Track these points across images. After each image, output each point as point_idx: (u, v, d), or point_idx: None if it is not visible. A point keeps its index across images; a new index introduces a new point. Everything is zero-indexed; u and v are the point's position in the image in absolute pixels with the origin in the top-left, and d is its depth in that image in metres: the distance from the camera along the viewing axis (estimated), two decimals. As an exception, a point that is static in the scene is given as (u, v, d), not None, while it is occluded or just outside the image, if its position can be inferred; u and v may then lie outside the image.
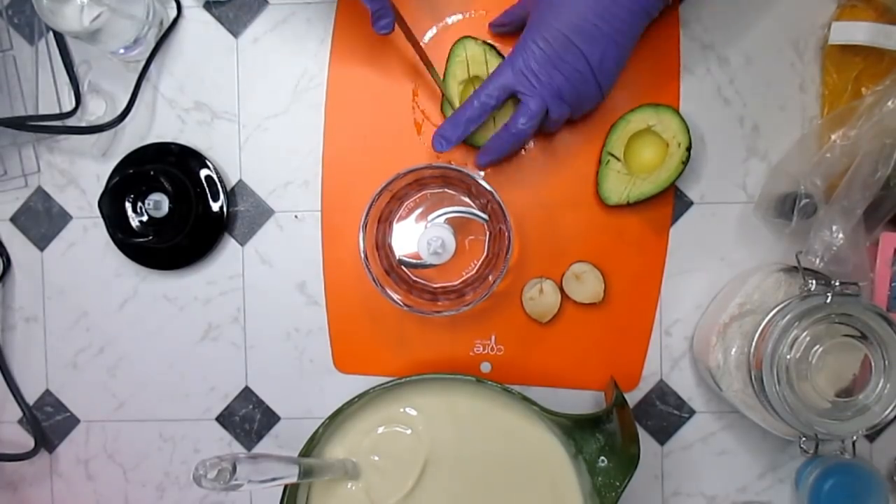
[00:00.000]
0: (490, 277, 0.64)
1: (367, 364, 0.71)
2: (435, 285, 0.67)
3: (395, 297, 0.64)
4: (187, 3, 0.71)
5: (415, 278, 0.67)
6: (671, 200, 0.69)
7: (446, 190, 0.66)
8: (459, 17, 0.69)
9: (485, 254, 0.66)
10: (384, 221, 0.65)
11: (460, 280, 0.66)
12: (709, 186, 0.70)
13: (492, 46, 0.68)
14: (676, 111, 0.66)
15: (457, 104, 0.68)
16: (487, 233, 0.66)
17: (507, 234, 0.63)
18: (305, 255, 0.71)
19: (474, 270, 0.66)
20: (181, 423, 0.72)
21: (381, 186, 0.62)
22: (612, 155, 0.68)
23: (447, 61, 0.68)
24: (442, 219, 0.63)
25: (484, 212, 0.64)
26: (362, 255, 0.63)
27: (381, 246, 0.65)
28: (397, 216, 0.66)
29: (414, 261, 0.64)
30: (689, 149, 0.66)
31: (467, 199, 0.66)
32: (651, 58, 0.69)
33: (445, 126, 0.65)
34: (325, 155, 0.71)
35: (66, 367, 0.72)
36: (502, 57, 0.67)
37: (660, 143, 0.67)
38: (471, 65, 0.68)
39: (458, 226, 0.64)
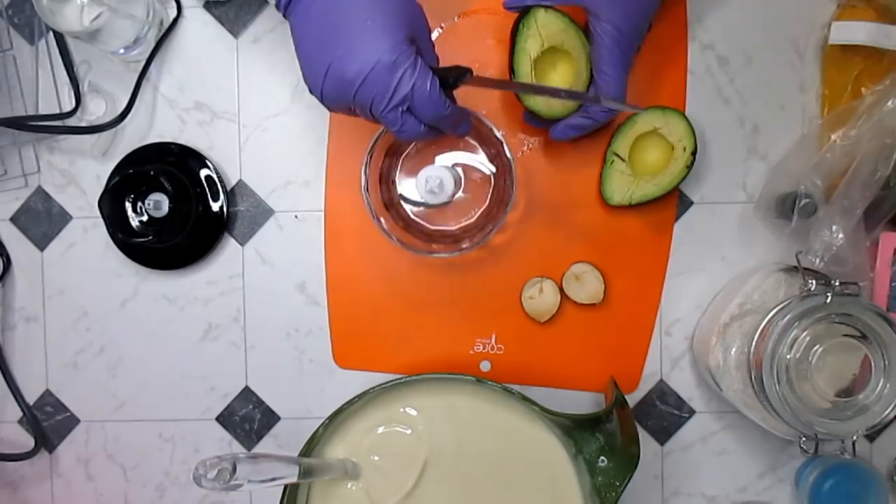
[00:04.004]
0: (489, 227, 0.64)
1: (367, 361, 0.71)
2: (433, 227, 0.66)
3: (392, 234, 0.63)
4: (187, 3, 0.71)
5: (414, 217, 0.66)
6: (674, 203, 0.69)
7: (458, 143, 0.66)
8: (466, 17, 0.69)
9: (486, 203, 0.66)
10: (391, 155, 0.65)
11: (458, 226, 0.66)
12: (709, 186, 0.70)
13: (563, 14, 0.64)
14: (683, 115, 0.66)
15: (530, 80, 0.64)
16: (492, 183, 0.65)
17: (510, 184, 0.62)
18: (305, 255, 0.71)
19: (473, 219, 0.66)
20: (181, 423, 0.72)
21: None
22: (617, 155, 0.68)
23: (514, 38, 0.64)
24: (450, 161, 0.62)
25: (493, 162, 0.63)
26: (363, 186, 0.62)
27: (385, 180, 0.64)
28: (405, 152, 0.65)
29: (415, 199, 0.63)
30: (694, 153, 0.66)
31: (477, 145, 0.66)
32: (659, 61, 0.69)
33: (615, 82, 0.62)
34: (330, 152, 0.70)
35: (66, 367, 0.72)
36: (576, 25, 0.64)
37: (665, 146, 0.67)
38: (544, 36, 0.64)
39: (465, 171, 0.64)
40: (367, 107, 0.55)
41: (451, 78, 0.56)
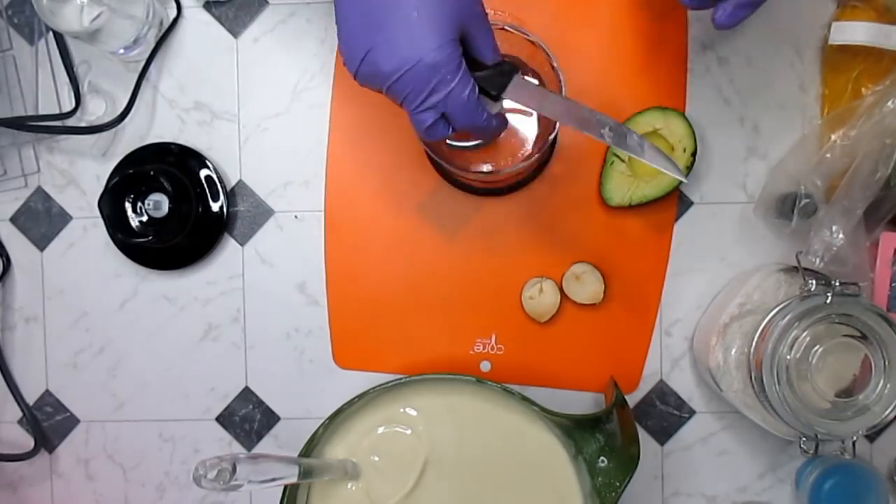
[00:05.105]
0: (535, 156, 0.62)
1: (367, 360, 0.71)
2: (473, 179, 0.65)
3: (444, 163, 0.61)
4: (187, 3, 0.71)
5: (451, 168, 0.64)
6: (675, 203, 0.69)
7: None
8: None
9: (526, 147, 0.64)
10: None
11: (494, 168, 0.64)
12: (709, 186, 0.70)
13: None
14: (683, 115, 0.67)
15: None
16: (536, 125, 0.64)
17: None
18: (305, 255, 0.71)
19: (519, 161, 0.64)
20: (181, 423, 0.72)
21: None
22: (617, 156, 0.68)
23: None
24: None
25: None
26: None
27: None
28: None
29: (460, 143, 0.62)
30: (694, 154, 0.66)
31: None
32: (659, 61, 0.69)
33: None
34: (330, 152, 0.70)
35: (66, 367, 0.72)
36: None
37: (665, 147, 0.67)
38: None
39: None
40: (399, 101, 0.53)
41: (494, 89, 0.54)
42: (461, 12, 0.51)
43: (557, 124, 0.60)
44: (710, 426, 0.70)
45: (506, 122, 0.58)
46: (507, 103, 0.56)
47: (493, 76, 0.54)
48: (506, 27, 0.61)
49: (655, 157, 0.56)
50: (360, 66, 0.52)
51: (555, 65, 0.60)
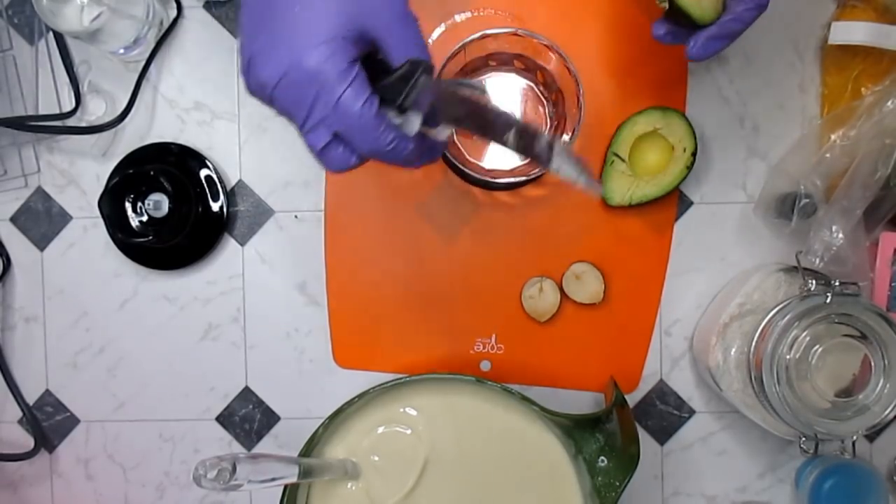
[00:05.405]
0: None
1: (367, 360, 0.71)
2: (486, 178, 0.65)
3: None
4: (187, 3, 0.71)
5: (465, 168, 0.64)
6: (675, 203, 0.69)
7: (512, 75, 0.65)
8: (468, 14, 0.69)
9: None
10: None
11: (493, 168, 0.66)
12: (709, 186, 0.70)
13: None
14: (684, 115, 0.67)
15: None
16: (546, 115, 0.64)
17: (578, 107, 0.60)
18: (305, 255, 0.71)
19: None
20: (181, 423, 0.72)
21: (456, 46, 0.60)
22: (617, 155, 0.68)
23: None
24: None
25: (554, 108, 0.63)
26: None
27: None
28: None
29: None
30: (694, 154, 0.66)
31: (533, 86, 0.65)
32: (659, 61, 0.69)
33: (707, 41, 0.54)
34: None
35: (66, 367, 0.72)
36: None
37: (665, 147, 0.67)
38: None
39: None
40: (289, 118, 0.43)
41: (395, 97, 0.42)
42: (361, 10, 0.41)
43: (581, 109, 0.59)
44: (710, 426, 0.70)
45: (431, 147, 0.47)
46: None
47: (395, 82, 0.42)
48: (518, 32, 0.61)
49: (563, 165, 0.46)
50: (248, 79, 0.43)
51: (571, 68, 0.60)
